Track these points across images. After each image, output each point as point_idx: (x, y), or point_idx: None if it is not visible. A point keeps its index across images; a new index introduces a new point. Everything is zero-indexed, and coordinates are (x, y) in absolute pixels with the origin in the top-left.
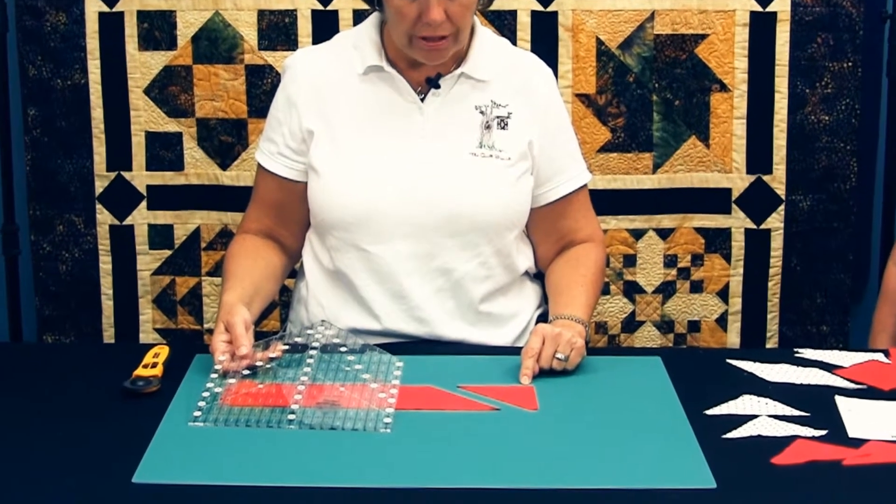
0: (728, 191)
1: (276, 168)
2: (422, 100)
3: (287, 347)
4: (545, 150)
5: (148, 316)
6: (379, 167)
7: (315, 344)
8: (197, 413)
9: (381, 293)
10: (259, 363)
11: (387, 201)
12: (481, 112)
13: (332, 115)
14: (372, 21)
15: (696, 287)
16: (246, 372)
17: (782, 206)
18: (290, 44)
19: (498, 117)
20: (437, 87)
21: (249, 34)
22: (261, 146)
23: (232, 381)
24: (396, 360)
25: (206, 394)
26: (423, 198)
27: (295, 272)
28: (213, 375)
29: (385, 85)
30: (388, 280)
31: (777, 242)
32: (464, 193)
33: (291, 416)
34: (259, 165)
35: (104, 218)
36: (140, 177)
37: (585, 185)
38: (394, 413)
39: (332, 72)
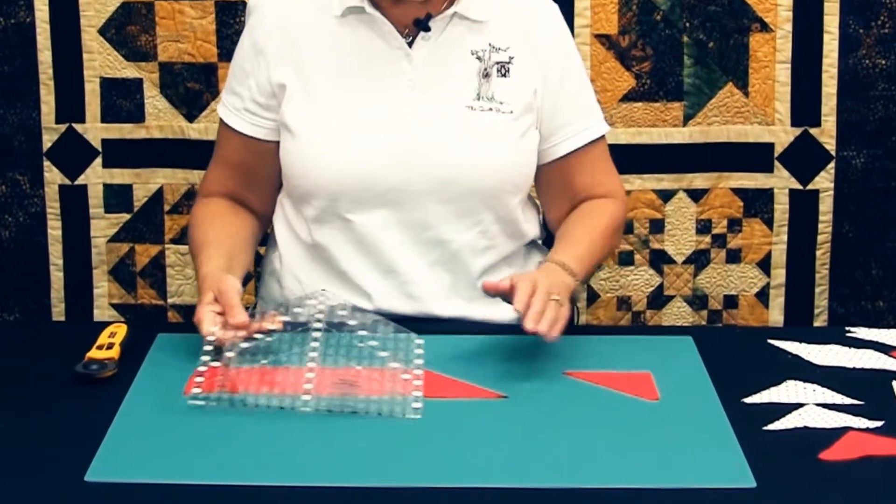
0: (770, 146)
1: (242, 126)
2: (409, 45)
3: (287, 319)
4: (552, 98)
5: (103, 289)
6: (361, 125)
7: (319, 316)
8: (196, 389)
9: (367, 267)
10: (258, 336)
11: (371, 164)
12: (478, 58)
13: (306, 64)
14: None
15: (734, 256)
16: (245, 345)
17: (832, 164)
18: None
19: (498, 63)
20: (427, 29)
21: None
22: (223, 100)
23: (230, 353)
24: (416, 338)
25: (202, 368)
26: (414, 159)
27: (265, 237)
28: (207, 348)
29: (366, 28)
30: (374, 253)
31: (826, 205)
32: (460, 153)
33: (307, 398)
34: (221, 121)
35: (53, 177)
36: (94, 130)
37: (603, 138)
38: (423, 398)
39: (304, 14)
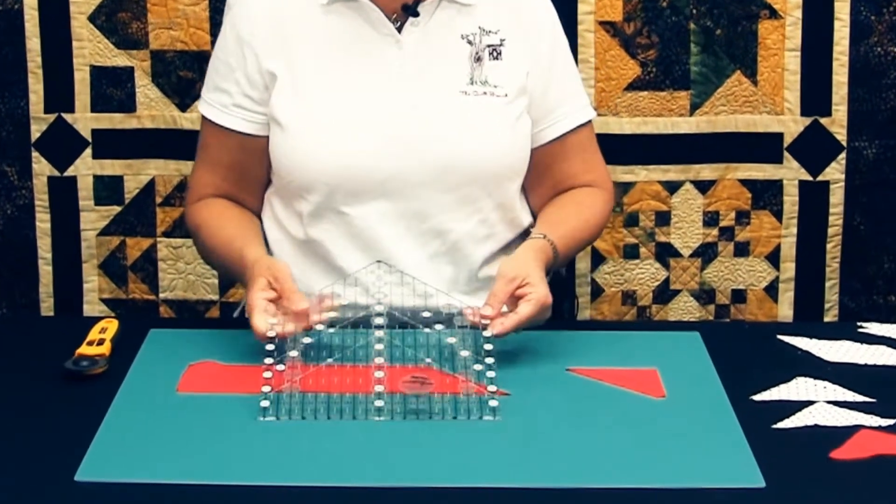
0: (779, 136)
1: (234, 123)
2: (398, 31)
3: (345, 303)
4: (542, 80)
5: (93, 284)
6: (353, 115)
7: (379, 303)
8: (265, 403)
9: (364, 262)
10: (319, 326)
11: (366, 154)
12: (469, 41)
13: (293, 55)
14: None
15: (742, 250)
16: (307, 340)
17: (843, 154)
18: None
19: (489, 46)
20: (416, 14)
21: None
22: (207, 98)
23: (293, 353)
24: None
25: (268, 374)
26: (409, 148)
27: None
28: (270, 348)
29: (354, 15)
30: (371, 247)
31: (837, 197)
32: (457, 140)
33: (380, 403)
34: (206, 122)
35: (41, 168)
36: (84, 119)
37: (590, 124)
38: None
39: (289, 3)
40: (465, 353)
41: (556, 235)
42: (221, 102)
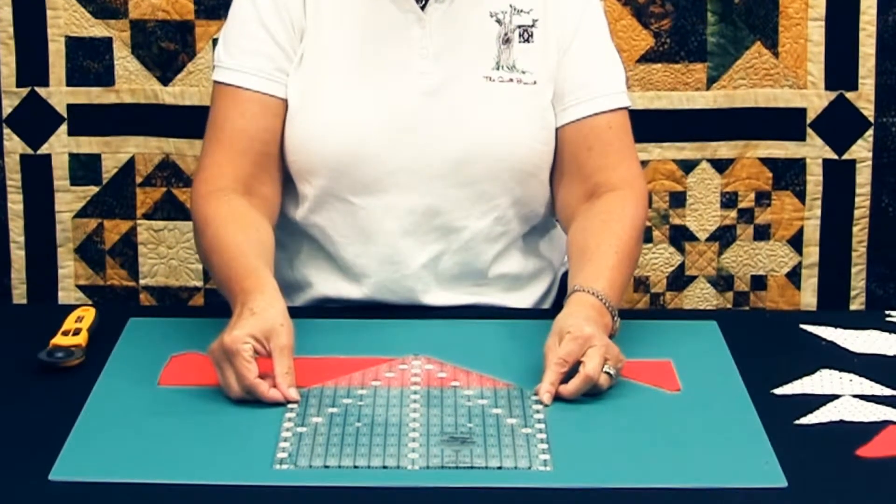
0: (802, 111)
1: (277, 90)
2: (422, 8)
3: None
4: (569, 58)
5: (69, 269)
6: (364, 98)
7: (414, 379)
8: (282, 455)
9: (365, 255)
10: (346, 401)
11: (378, 142)
12: (498, 20)
13: (310, 30)
14: None
15: (762, 233)
16: (333, 410)
17: (870, 131)
18: None
19: (520, 27)
20: None
21: None
22: (239, 66)
23: (317, 419)
24: (530, 392)
25: (287, 433)
26: (424, 138)
27: None
28: (291, 414)
29: None
30: (376, 241)
31: (864, 176)
32: (477, 131)
33: (414, 456)
34: (233, 91)
35: (13, 145)
36: (59, 94)
37: (623, 115)
38: (548, 447)
39: None
40: (511, 421)
41: (606, 282)
42: (261, 68)
